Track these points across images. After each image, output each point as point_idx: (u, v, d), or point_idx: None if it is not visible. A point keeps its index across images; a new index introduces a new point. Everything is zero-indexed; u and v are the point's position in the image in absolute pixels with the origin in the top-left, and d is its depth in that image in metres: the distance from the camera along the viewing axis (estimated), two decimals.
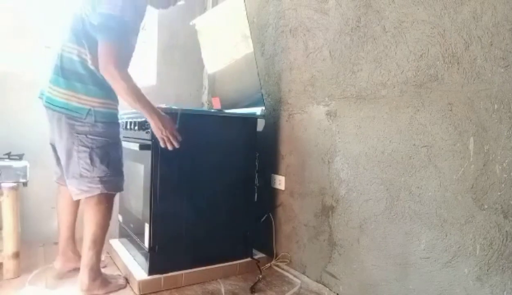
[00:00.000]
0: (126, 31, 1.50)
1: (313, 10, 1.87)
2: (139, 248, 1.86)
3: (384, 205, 1.50)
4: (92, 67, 1.52)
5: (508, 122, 1.13)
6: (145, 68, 2.73)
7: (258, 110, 2.04)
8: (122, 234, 2.18)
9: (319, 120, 1.84)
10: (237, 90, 2.36)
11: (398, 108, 1.45)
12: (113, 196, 1.65)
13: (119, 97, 1.59)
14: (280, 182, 2.11)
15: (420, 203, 1.37)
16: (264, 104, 2.04)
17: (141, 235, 1.80)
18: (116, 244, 2.13)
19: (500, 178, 1.14)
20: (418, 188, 1.38)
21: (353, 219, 1.65)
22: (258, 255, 2.07)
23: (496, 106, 1.16)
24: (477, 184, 1.20)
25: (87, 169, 1.54)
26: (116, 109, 1.62)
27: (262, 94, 2.04)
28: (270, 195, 2.18)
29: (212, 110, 2.34)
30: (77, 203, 1.80)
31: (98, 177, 1.55)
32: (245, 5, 1.98)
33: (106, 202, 1.61)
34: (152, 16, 2.67)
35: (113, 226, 1.84)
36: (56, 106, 1.53)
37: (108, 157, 1.58)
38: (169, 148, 1.61)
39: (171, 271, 1.75)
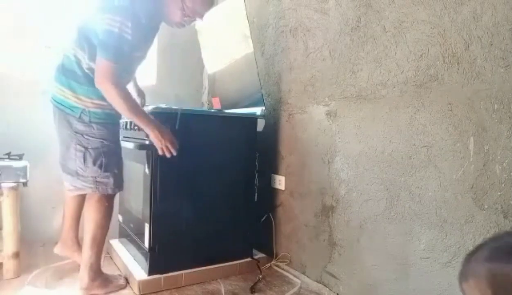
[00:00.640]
0: (125, 48, 1.48)
1: (313, 10, 1.87)
2: (139, 248, 1.86)
3: (384, 205, 1.50)
4: (86, 70, 1.54)
5: (508, 122, 1.13)
6: (145, 68, 2.73)
7: (258, 110, 2.04)
8: (122, 234, 2.18)
9: (319, 120, 1.84)
10: (237, 90, 2.36)
11: (398, 108, 1.45)
12: (113, 196, 1.66)
13: None
14: (280, 182, 2.11)
15: (420, 203, 1.37)
16: (264, 104, 2.04)
17: (141, 235, 1.80)
18: (116, 244, 2.13)
19: (500, 178, 1.14)
20: (418, 188, 1.38)
21: (353, 219, 1.64)
22: (258, 255, 2.07)
23: (496, 106, 1.16)
24: (477, 184, 1.20)
25: (82, 168, 1.57)
26: (113, 109, 1.60)
27: (262, 94, 2.04)
28: (270, 195, 2.18)
29: (212, 110, 2.34)
30: (83, 202, 1.80)
31: (91, 176, 1.58)
32: (245, 5, 1.98)
33: (106, 201, 1.62)
34: None
35: (113, 226, 1.84)
36: (58, 103, 1.57)
37: (101, 159, 1.58)
38: (167, 155, 1.62)
39: (171, 271, 1.75)
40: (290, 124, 2.05)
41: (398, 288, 1.45)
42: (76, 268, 1.79)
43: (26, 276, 1.78)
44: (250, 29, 2.00)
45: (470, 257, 0.75)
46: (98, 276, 1.64)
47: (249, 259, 1.98)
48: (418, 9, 1.38)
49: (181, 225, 1.79)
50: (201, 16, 1.67)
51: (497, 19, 1.15)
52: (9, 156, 1.93)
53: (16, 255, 1.77)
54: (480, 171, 1.19)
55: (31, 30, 2.27)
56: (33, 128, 2.18)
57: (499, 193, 1.15)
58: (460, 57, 1.25)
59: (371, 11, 1.56)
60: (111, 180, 1.61)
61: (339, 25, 1.72)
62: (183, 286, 1.76)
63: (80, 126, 1.55)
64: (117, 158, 1.66)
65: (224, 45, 2.31)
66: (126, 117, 1.57)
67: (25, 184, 1.82)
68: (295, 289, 1.77)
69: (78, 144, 1.55)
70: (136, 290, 1.67)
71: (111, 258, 2.08)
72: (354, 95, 1.64)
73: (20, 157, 1.94)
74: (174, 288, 1.73)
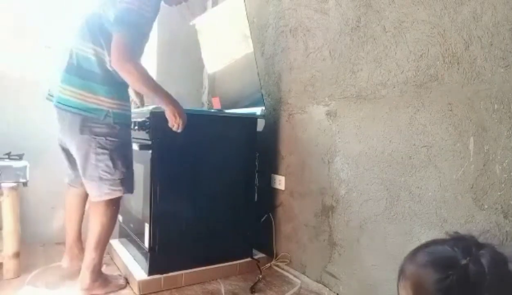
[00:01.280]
0: (143, 24, 1.50)
1: (313, 10, 1.87)
2: (139, 248, 1.86)
3: (384, 205, 1.50)
4: (110, 68, 1.50)
5: (508, 122, 1.13)
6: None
7: (258, 110, 2.04)
8: (122, 234, 2.18)
9: (319, 120, 1.84)
10: (237, 90, 2.37)
11: (398, 108, 1.45)
12: (119, 198, 1.64)
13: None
14: (280, 182, 2.11)
15: (420, 203, 1.37)
16: (264, 104, 2.04)
17: (141, 235, 1.80)
18: (116, 244, 2.13)
19: (500, 178, 1.14)
20: (418, 188, 1.38)
21: (353, 219, 1.64)
22: (258, 255, 2.07)
23: (496, 106, 1.16)
24: (477, 184, 1.20)
25: (108, 171, 1.53)
26: (130, 110, 1.62)
27: (262, 94, 2.04)
28: (270, 195, 2.18)
29: (212, 110, 2.34)
30: (84, 203, 1.80)
31: (118, 179, 1.55)
32: (245, 5, 1.98)
33: (113, 204, 1.60)
34: None
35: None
36: (69, 106, 1.49)
37: (126, 158, 1.58)
38: (174, 129, 1.61)
39: (171, 271, 1.75)
40: (290, 124, 2.05)
41: None
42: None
43: (26, 276, 1.78)
44: (250, 29, 2.00)
45: (409, 258, 0.83)
46: (99, 276, 1.64)
47: (249, 259, 1.98)
48: (418, 9, 1.38)
49: (181, 225, 1.79)
50: None
51: (497, 19, 1.15)
52: (9, 156, 1.93)
53: (16, 255, 1.77)
54: (480, 171, 1.19)
55: (31, 30, 2.27)
56: (33, 128, 2.18)
57: (499, 193, 1.15)
58: (460, 57, 1.25)
59: (371, 11, 1.56)
60: (132, 180, 1.62)
61: (339, 25, 1.72)
62: (183, 286, 1.76)
63: (101, 129, 1.50)
64: (132, 158, 1.66)
65: (224, 45, 2.31)
66: (143, 93, 1.53)
67: (25, 184, 1.82)
68: (295, 289, 1.77)
69: (99, 148, 1.50)
70: (136, 290, 1.67)
71: (111, 258, 2.08)
72: (354, 95, 1.64)
73: (20, 157, 1.94)
74: (174, 288, 1.73)
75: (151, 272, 1.71)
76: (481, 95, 1.19)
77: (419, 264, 0.80)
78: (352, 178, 1.65)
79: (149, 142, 1.70)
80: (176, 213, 1.77)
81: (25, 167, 1.81)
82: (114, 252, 2.06)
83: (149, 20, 1.52)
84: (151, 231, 1.71)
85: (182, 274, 1.77)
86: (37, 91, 2.17)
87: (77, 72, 1.50)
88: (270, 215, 2.16)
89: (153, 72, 2.72)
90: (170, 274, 1.74)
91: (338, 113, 1.73)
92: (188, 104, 2.82)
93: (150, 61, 2.72)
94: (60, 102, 1.52)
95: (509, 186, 1.12)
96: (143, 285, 1.67)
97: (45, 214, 2.25)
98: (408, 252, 0.82)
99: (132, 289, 1.71)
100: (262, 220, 2.17)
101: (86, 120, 1.49)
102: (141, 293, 1.66)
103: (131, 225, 1.99)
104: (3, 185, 1.74)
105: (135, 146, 1.72)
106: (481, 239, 0.82)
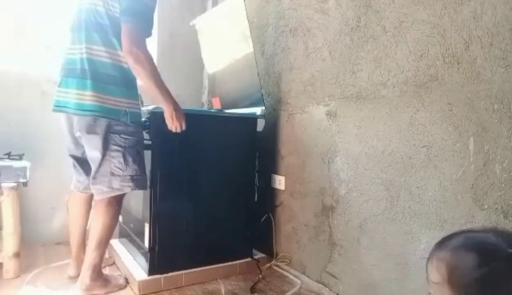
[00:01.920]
0: (148, 11, 1.53)
1: (313, 10, 1.87)
2: (139, 248, 1.86)
3: (384, 205, 1.50)
4: (125, 66, 1.54)
5: (508, 122, 1.13)
6: None
7: (258, 110, 2.04)
8: (122, 234, 2.18)
9: (319, 120, 1.84)
10: (237, 90, 2.36)
11: (398, 108, 1.45)
12: (122, 198, 1.65)
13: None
14: (280, 182, 2.11)
15: (420, 203, 1.37)
16: (264, 104, 2.04)
17: (141, 235, 1.80)
18: (116, 244, 2.12)
19: (500, 178, 1.14)
20: (418, 188, 1.38)
21: (353, 219, 1.64)
22: (258, 255, 2.07)
23: (496, 106, 1.16)
24: (477, 184, 1.20)
25: (120, 167, 1.55)
26: (141, 110, 1.65)
27: (262, 94, 2.04)
28: (270, 195, 2.18)
29: (212, 110, 2.34)
30: (89, 210, 1.79)
31: (129, 175, 1.57)
32: (245, 5, 1.98)
33: (115, 204, 1.61)
34: None
35: None
36: (87, 110, 1.48)
37: (139, 156, 1.60)
38: (173, 130, 1.64)
39: (171, 271, 1.75)
40: (290, 124, 2.05)
41: (398, 288, 1.45)
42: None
43: (26, 276, 1.78)
44: (250, 29, 2.00)
45: (443, 241, 0.79)
46: (99, 276, 1.64)
47: (249, 259, 1.98)
48: (418, 9, 1.38)
49: (181, 225, 1.79)
50: None
51: (497, 19, 1.15)
52: (9, 156, 1.93)
53: (16, 255, 1.77)
54: (480, 171, 1.19)
55: (31, 30, 2.27)
56: (33, 128, 2.18)
57: (499, 193, 1.15)
58: (460, 57, 1.25)
59: (371, 11, 1.56)
60: (145, 177, 1.63)
61: (339, 25, 1.72)
62: (183, 286, 1.76)
63: (116, 127, 1.53)
64: (143, 156, 1.67)
65: (224, 45, 2.31)
66: (147, 86, 1.53)
67: (25, 184, 1.82)
68: (295, 289, 1.77)
69: (113, 145, 1.54)
70: (136, 290, 1.67)
71: (111, 258, 2.08)
72: (354, 95, 1.64)
73: (20, 157, 1.94)
74: (174, 288, 1.73)
75: (151, 272, 1.71)
76: (481, 95, 1.19)
77: (458, 246, 0.75)
78: (352, 178, 1.65)
79: (149, 142, 1.70)
80: (176, 213, 1.77)
81: (25, 167, 1.81)
82: (114, 252, 2.06)
83: (152, 8, 1.57)
84: (151, 231, 1.71)
85: (182, 274, 1.77)
86: (37, 91, 2.18)
87: (91, 75, 1.49)
88: (270, 215, 2.16)
89: None
90: (170, 274, 1.74)
91: (338, 113, 1.73)
92: (188, 104, 2.82)
93: None
94: (78, 108, 1.50)
95: (509, 186, 1.13)
96: (143, 285, 1.67)
97: (45, 214, 2.25)
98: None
99: (132, 289, 1.71)
100: (262, 220, 2.17)
101: (105, 121, 1.52)
102: (141, 293, 1.66)
103: (131, 225, 1.99)
104: (3, 185, 1.74)
105: None
106: None
